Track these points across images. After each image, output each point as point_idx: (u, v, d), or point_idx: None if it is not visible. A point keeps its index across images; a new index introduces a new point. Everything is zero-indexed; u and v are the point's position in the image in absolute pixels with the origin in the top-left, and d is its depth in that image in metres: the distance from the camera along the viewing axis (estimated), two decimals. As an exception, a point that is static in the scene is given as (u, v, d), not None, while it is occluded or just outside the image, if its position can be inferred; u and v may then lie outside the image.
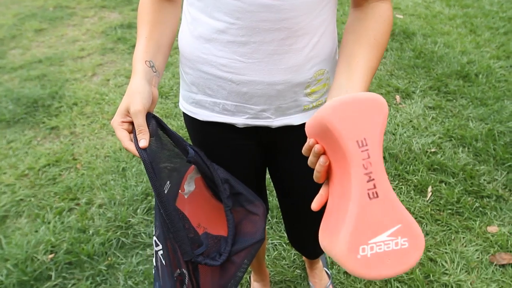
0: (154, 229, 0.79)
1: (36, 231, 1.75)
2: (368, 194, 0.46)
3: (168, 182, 0.77)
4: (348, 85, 0.65)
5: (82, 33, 3.71)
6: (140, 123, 0.67)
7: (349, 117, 0.47)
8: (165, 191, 0.74)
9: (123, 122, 0.69)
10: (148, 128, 0.68)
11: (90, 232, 1.73)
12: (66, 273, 1.58)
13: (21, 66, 3.17)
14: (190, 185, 0.85)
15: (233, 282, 0.82)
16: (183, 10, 0.80)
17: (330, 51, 0.79)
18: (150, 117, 0.71)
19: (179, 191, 0.83)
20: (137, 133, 0.67)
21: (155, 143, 0.71)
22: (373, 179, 0.46)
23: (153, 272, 0.85)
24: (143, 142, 0.67)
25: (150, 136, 0.68)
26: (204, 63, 0.76)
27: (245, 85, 0.75)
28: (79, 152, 2.22)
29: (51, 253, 1.65)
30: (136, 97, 0.68)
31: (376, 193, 0.46)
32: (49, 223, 1.79)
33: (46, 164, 2.14)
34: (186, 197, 0.84)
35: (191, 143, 0.92)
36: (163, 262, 0.74)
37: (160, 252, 0.74)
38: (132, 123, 0.70)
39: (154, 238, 0.76)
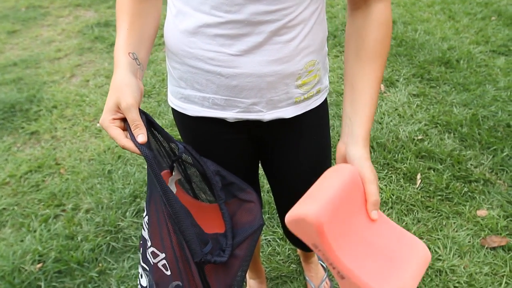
0: (147, 240, 0.75)
1: (22, 241, 1.70)
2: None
3: None
4: (352, 114, 0.69)
5: (57, 33, 3.60)
6: (135, 117, 0.63)
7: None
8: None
9: (114, 119, 0.64)
10: None
11: (79, 238, 1.68)
12: (56, 282, 1.53)
13: (-5, 70, 3.05)
14: (172, 187, 0.83)
15: (237, 281, 0.80)
16: (167, 2, 0.77)
17: (320, 41, 0.77)
18: (141, 113, 0.66)
19: None
20: (132, 129, 0.63)
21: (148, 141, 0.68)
22: (334, 268, 0.57)
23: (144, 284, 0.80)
24: (142, 137, 0.62)
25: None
26: (191, 57, 0.74)
27: (235, 78, 0.73)
28: (62, 157, 2.16)
29: (39, 263, 1.60)
30: (125, 90, 0.64)
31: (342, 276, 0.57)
32: (35, 231, 1.73)
33: (28, 170, 2.07)
34: None
35: (180, 140, 0.89)
36: (164, 271, 0.71)
37: (162, 262, 0.71)
38: (124, 119, 0.65)
39: (152, 249, 0.72)
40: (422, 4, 3.59)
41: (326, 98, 0.90)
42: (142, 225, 0.85)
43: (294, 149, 0.90)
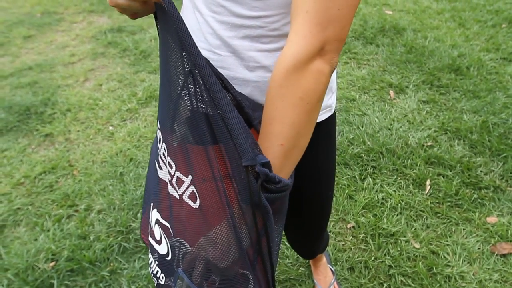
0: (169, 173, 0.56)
1: (36, 240, 1.73)
2: None
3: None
4: None
5: (71, 38, 3.67)
6: None
7: None
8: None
9: None
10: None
11: (91, 238, 1.71)
12: (68, 281, 1.56)
13: (11, 74, 3.12)
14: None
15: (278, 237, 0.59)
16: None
17: None
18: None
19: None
20: None
21: (164, 31, 0.53)
22: None
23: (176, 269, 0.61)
24: None
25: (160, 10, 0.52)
26: None
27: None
28: (75, 159, 2.20)
29: (52, 261, 1.63)
30: None
31: None
32: (48, 231, 1.76)
33: (42, 171, 2.11)
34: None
35: None
36: (192, 203, 0.51)
37: (188, 191, 0.52)
38: None
39: (178, 174, 0.52)
40: (432, 12, 3.60)
41: (332, 115, 0.88)
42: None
43: (299, 163, 0.90)
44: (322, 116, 0.85)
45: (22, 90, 2.88)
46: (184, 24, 0.48)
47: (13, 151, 2.28)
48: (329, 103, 0.86)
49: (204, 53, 0.74)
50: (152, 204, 0.67)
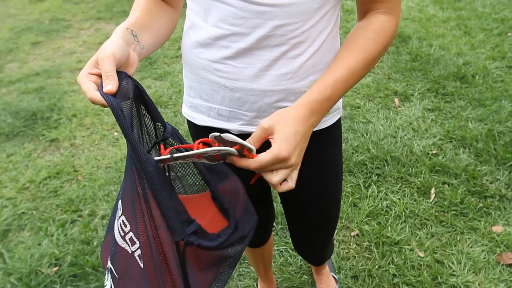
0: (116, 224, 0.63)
1: (39, 244, 1.74)
2: None
3: None
4: (313, 85, 0.66)
5: (78, 45, 3.71)
6: (107, 68, 0.56)
7: None
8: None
9: (90, 74, 0.59)
10: (121, 83, 0.58)
11: (94, 243, 1.71)
12: (71, 286, 1.56)
13: (18, 79, 3.16)
14: None
15: (220, 279, 0.67)
16: (186, 15, 0.81)
17: (329, 61, 0.76)
18: (124, 75, 0.60)
19: None
20: (103, 80, 0.56)
21: (130, 108, 0.60)
22: None
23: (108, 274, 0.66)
24: (109, 86, 0.55)
25: (125, 98, 0.59)
26: (199, 68, 0.76)
27: (238, 91, 0.74)
28: (80, 164, 2.21)
29: (55, 266, 1.64)
30: (106, 45, 0.59)
31: None
32: (52, 235, 1.77)
33: (47, 176, 2.12)
34: None
35: None
36: (140, 262, 0.59)
37: (137, 252, 0.59)
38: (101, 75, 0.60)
39: (131, 234, 0.59)
40: (438, 20, 3.60)
41: (339, 119, 0.89)
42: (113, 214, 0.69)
43: (303, 165, 0.91)
44: (333, 119, 0.86)
45: (29, 95, 2.91)
46: (127, 123, 0.54)
47: (19, 155, 2.30)
48: (338, 105, 0.87)
49: (217, 66, 0.73)
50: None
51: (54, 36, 3.94)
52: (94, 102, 0.56)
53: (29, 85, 3.05)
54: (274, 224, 1.74)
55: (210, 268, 0.64)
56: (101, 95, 0.54)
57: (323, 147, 0.88)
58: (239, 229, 0.67)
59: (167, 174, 0.71)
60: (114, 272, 0.64)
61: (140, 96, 0.64)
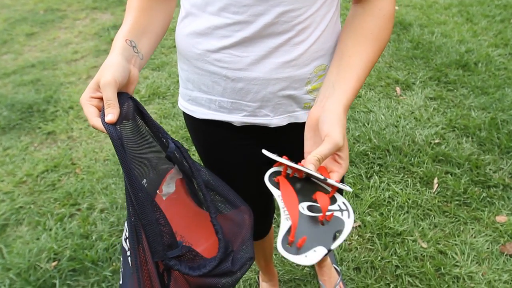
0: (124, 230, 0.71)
1: (38, 239, 1.72)
2: None
3: (144, 181, 0.69)
4: (337, 81, 0.65)
5: (74, 35, 3.65)
6: (109, 96, 0.59)
7: None
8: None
9: (92, 97, 0.61)
10: (122, 108, 0.61)
11: (93, 237, 1.69)
12: (70, 281, 1.54)
13: (14, 71, 3.11)
14: (169, 186, 0.77)
15: None
16: (180, 5, 0.77)
17: (332, 45, 0.75)
18: (125, 97, 0.63)
19: (157, 191, 0.74)
20: (105, 108, 0.59)
21: (131, 127, 0.63)
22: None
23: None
24: (110, 116, 0.58)
25: (126, 119, 0.62)
26: (197, 59, 0.73)
27: (240, 81, 0.72)
28: (78, 157, 2.18)
29: (54, 261, 1.62)
30: (107, 69, 0.61)
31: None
32: (50, 230, 1.75)
33: (45, 170, 2.10)
34: (164, 198, 0.76)
35: (192, 142, 0.85)
36: (130, 266, 0.66)
37: (130, 257, 0.65)
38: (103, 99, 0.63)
39: (122, 240, 0.68)
40: (439, 7, 3.54)
41: None
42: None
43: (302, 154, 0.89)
44: None
45: (25, 87, 2.87)
46: (125, 154, 0.59)
47: (16, 149, 2.27)
48: None
49: (217, 56, 0.71)
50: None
51: (49, 27, 3.87)
52: (95, 128, 0.60)
53: (24, 77, 3.00)
54: (276, 216, 1.72)
55: None
56: (103, 125, 0.58)
57: None
58: (228, 262, 0.68)
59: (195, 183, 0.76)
60: (122, 265, 0.72)
61: (141, 116, 0.67)
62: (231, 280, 0.68)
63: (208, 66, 0.72)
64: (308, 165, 0.57)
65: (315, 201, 0.59)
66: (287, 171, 0.62)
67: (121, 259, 0.74)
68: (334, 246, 0.53)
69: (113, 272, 1.56)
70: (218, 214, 0.74)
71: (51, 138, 2.35)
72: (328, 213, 0.56)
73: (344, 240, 0.55)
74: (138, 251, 0.64)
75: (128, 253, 0.67)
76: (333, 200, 0.60)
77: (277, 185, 0.60)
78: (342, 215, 0.57)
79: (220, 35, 0.68)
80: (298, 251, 0.51)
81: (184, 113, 0.87)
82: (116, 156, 2.13)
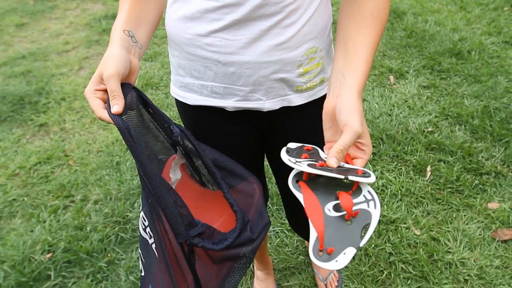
0: (141, 220, 0.72)
1: (32, 231, 1.71)
2: None
3: None
4: (346, 67, 0.65)
5: (65, 26, 3.60)
6: (113, 87, 0.61)
7: None
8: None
9: (97, 90, 0.63)
10: (126, 98, 0.62)
11: (88, 229, 1.69)
12: (65, 272, 1.54)
13: (4, 63, 3.07)
14: (176, 172, 0.79)
15: (229, 281, 0.72)
16: None
17: (323, 28, 0.75)
18: (128, 87, 0.64)
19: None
20: (110, 99, 0.61)
21: (135, 117, 0.65)
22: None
23: (140, 263, 0.77)
24: (116, 107, 0.60)
25: (130, 109, 0.63)
26: (188, 44, 0.73)
27: (232, 65, 0.71)
28: (71, 148, 2.17)
29: (48, 253, 1.61)
30: (109, 61, 0.62)
31: None
32: (44, 222, 1.74)
33: (37, 162, 2.08)
34: (173, 187, 0.78)
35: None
36: (156, 253, 0.68)
37: (154, 245, 0.68)
38: (106, 90, 0.63)
39: (148, 229, 0.69)
40: (433, -5, 3.53)
41: None
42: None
43: (298, 140, 0.89)
44: (325, 90, 0.83)
45: (16, 79, 2.83)
46: (134, 143, 0.60)
47: (8, 141, 2.25)
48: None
49: (208, 40, 0.71)
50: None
51: (40, 17, 3.81)
52: (102, 120, 0.61)
53: (15, 68, 2.96)
54: (269, 205, 1.73)
55: (223, 262, 0.70)
56: (110, 116, 0.59)
57: (316, 119, 0.85)
58: (247, 231, 0.71)
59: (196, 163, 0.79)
60: (142, 257, 0.75)
61: (145, 105, 0.69)
62: (251, 248, 0.72)
63: (199, 51, 0.72)
64: (331, 159, 0.58)
65: None
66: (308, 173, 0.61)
67: (140, 251, 0.76)
68: (362, 243, 0.54)
69: (108, 263, 1.56)
70: (230, 189, 0.77)
71: (44, 130, 2.33)
72: (353, 210, 0.56)
73: (373, 232, 0.55)
74: (162, 236, 0.66)
75: (152, 241, 0.69)
76: (358, 192, 0.59)
77: (300, 189, 0.60)
78: (368, 206, 0.57)
79: (210, 19, 0.68)
80: (329, 257, 0.52)
81: (176, 100, 0.86)
82: (110, 148, 2.12)
